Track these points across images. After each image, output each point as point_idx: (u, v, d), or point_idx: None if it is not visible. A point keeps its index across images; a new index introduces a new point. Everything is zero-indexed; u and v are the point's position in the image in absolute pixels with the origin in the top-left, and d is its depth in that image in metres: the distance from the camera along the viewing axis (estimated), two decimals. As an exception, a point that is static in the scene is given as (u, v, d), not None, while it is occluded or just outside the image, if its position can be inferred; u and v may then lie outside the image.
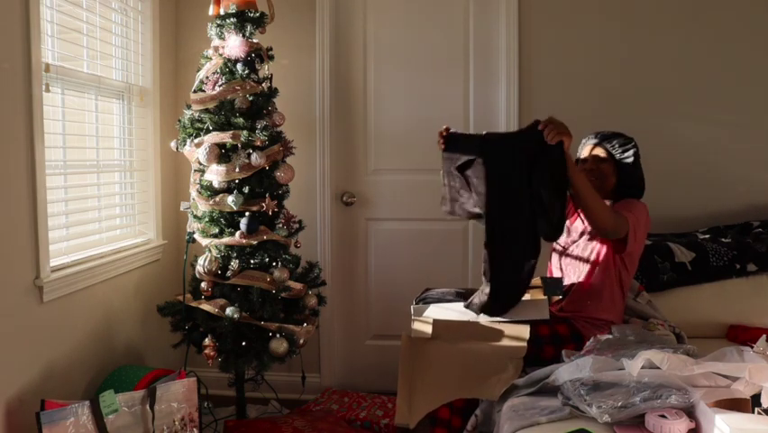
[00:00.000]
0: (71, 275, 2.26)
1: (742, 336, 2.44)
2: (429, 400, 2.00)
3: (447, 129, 2.15)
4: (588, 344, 1.88)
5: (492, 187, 2.03)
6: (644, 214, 2.14)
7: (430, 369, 2.06)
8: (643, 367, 1.56)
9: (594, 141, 2.26)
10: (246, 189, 2.48)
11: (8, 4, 1.95)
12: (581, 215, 2.19)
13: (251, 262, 2.50)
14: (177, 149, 2.62)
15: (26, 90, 2.03)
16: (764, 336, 1.62)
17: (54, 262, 2.20)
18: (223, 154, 2.49)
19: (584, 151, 2.29)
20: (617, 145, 2.21)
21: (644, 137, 2.92)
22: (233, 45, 2.49)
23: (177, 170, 3.15)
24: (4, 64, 1.93)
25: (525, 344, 2.01)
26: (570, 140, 1.96)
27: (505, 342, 2.06)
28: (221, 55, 2.54)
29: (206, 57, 2.60)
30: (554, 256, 2.35)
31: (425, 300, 2.29)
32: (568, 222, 2.32)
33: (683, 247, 2.60)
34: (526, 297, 2.18)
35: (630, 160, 2.20)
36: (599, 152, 2.23)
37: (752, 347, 1.60)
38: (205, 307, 2.45)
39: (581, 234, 2.24)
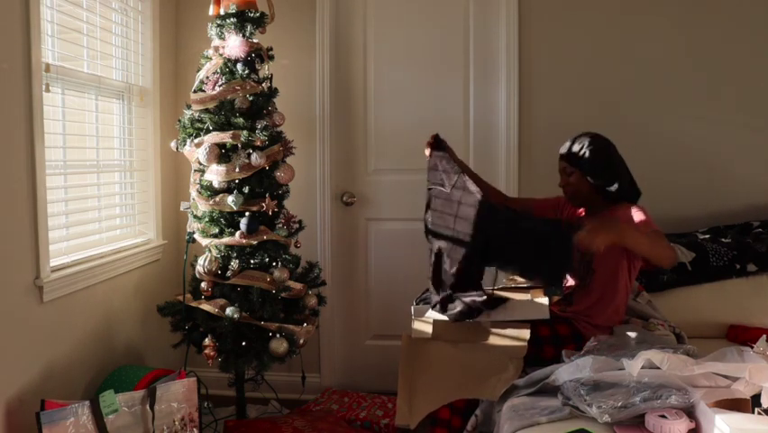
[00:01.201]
0: (71, 275, 2.26)
1: (742, 336, 2.44)
2: (429, 401, 2.00)
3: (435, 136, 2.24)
4: (588, 344, 1.88)
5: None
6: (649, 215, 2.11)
7: (430, 369, 2.06)
8: (643, 367, 1.56)
9: (560, 157, 2.24)
10: (246, 189, 2.48)
11: (8, 4, 1.95)
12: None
13: (251, 262, 2.50)
14: (177, 149, 2.62)
15: (26, 90, 2.03)
16: (764, 336, 1.62)
17: (54, 262, 2.20)
18: (223, 154, 2.49)
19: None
20: (573, 150, 2.17)
21: (644, 137, 2.93)
22: (233, 45, 2.49)
23: (177, 170, 3.15)
24: (3, 64, 1.93)
25: (525, 344, 2.01)
26: (611, 238, 1.85)
27: (505, 342, 2.06)
28: (221, 55, 2.54)
29: (206, 57, 2.60)
30: None
31: (426, 301, 2.29)
32: None
33: (683, 247, 2.60)
34: (527, 297, 2.17)
35: (587, 156, 2.13)
36: (562, 164, 2.21)
37: (752, 347, 1.60)
38: (205, 307, 2.45)
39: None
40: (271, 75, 2.64)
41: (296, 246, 2.67)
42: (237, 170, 2.44)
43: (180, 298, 2.56)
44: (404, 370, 2.08)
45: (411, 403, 2.01)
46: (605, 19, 2.99)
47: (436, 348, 2.09)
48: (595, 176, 2.15)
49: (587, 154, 2.14)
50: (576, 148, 2.17)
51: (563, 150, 2.21)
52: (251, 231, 2.45)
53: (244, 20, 2.52)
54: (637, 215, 2.07)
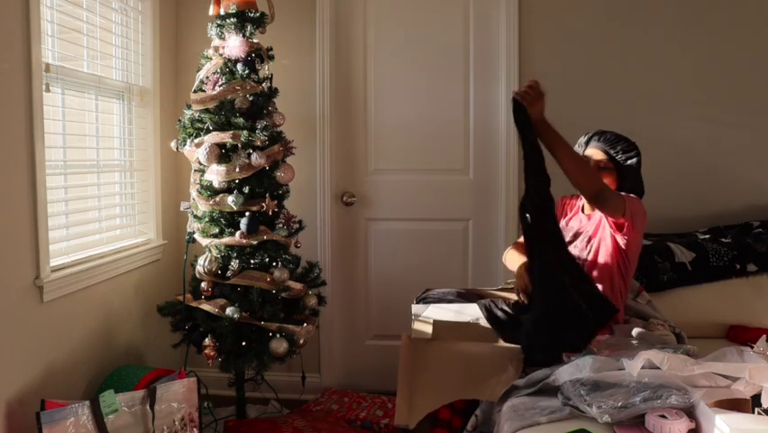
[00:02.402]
0: (71, 275, 2.26)
1: (742, 336, 2.44)
2: (429, 401, 2.00)
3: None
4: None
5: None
6: (639, 204, 2.11)
7: (430, 370, 2.06)
8: (643, 367, 1.56)
9: (597, 143, 2.21)
10: (246, 189, 2.48)
11: (8, 4, 1.95)
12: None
13: (251, 262, 2.50)
14: (177, 149, 2.62)
15: (26, 90, 2.03)
16: (764, 336, 1.62)
17: (54, 262, 2.20)
18: (223, 154, 2.49)
19: (583, 150, 2.25)
20: (621, 152, 2.17)
21: (644, 137, 2.91)
22: (234, 45, 2.49)
23: (177, 170, 3.14)
24: (4, 64, 1.93)
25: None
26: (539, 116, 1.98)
27: (505, 342, 2.06)
28: (221, 55, 2.54)
29: (207, 57, 2.60)
30: None
31: (426, 301, 2.29)
32: (563, 222, 2.32)
33: (683, 247, 2.60)
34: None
35: (633, 164, 2.16)
36: (601, 156, 2.19)
37: (752, 347, 1.60)
38: (205, 307, 2.45)
39: (577, 234, 2.24)
40: (271, 75, 2.64)
41: (296, 246, 2.67)
42: (237, 170, 2.44)
43: (180, 298, 2.56)
44: (404, 370, 2.08)
45: (411, 403, 2.01)
46: (605, 19, 2.99)
47: (436, 349, 2.09)
48: (629, 182, 2.18)
49: (633, 163, 2.16)
50: (624, 152, 2.17)
51: (607, 142, 2.19)
52: (251, 231, 2.45)
53: (244, 20, 2.52)
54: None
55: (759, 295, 2.54)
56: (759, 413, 1.41)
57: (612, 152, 2.19)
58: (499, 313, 2.09)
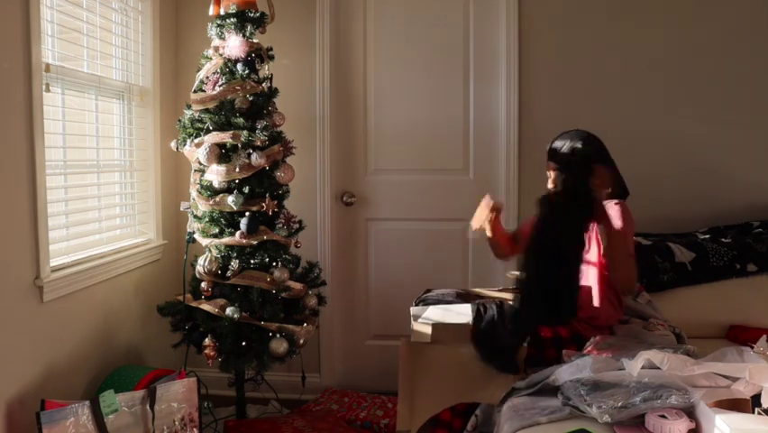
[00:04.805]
0: (71, 275, 2.25)
1: (742, 336, 2.44)
2: (430, 406, 1.99)
3: None
4: (588, 344, 1.88)
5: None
6: (631, 222, 2.04)
7: (430, 374, 2.05)
8: (643, 367, 1.56)
9: (548, 162, 2.14)
10: (246, 189, 2.48)
11: (8, 4, 1.95)
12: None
13: (251, 262, 2.50)
14: (177, 149, 2.62)
15: (26, 90, 2.03)
16: (764, 336, 1.62)
17: (54, 262, 2.20)
18: (223, 154, 2.49)
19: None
20: (563, 161, 2.08)
21: (645, 137, 2.93)
22: (234, 45, 2.49)
23: (177, 170, 3.14)
24: (4, 64, 1.93)
25: (524, 345, 2.01)
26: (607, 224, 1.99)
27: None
28: (221, 55, 2.54)
29: (207, 57, 2.60)
30: None
31: (425, 301, 2.28)
32: None
33: (683, 247, 2.60)
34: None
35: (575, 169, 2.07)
36: (554, 173, 2.12)
37: (752, 347, 1.60)
38: (205, 307, 2.45)
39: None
40: (271, 75, 2.64)
41: (296, 246, 2.67)
42: (237, 170, 2.44)
43: (180, 298, 2.56)
44: (404, 375, 2.08)
45: (412, 409, 2.00)
46: (605, 19, 2.99)
47: (435, 352, 2.09)
48: (608, 181, 2.12)
49: (579, 158, 2.08)
50: (565, 160, 2.08)
51: (552, 158, 2.13)
52: (251, 231, 2.45)
53: (244, 20, 2.52)
54: (614, 213, 2.03)
55: (759, 295, 2.54)
56: (759, 413, 1.41)
57: (559, 165, 2.10)
58: (486, 317, 2.07)
